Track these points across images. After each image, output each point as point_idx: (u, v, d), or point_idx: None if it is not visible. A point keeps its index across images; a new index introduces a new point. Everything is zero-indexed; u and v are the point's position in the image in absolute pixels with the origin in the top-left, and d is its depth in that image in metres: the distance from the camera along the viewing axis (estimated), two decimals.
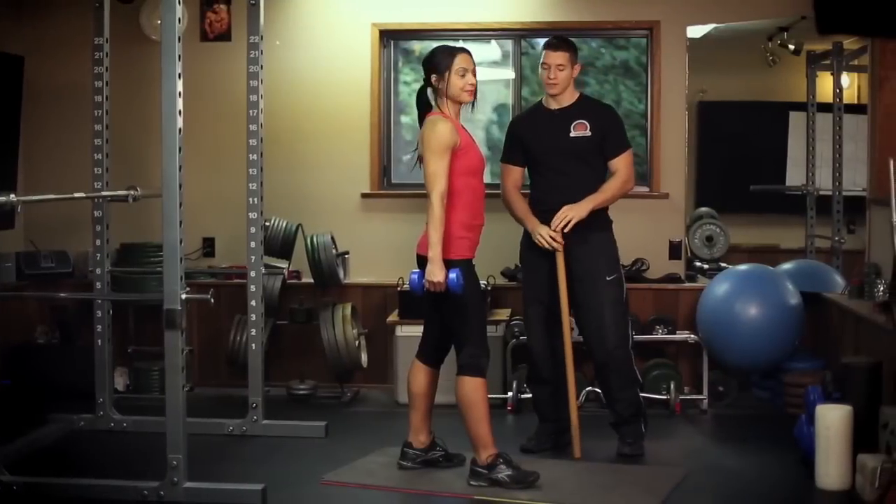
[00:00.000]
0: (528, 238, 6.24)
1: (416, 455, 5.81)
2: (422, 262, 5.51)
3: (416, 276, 5.50)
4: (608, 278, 6.14)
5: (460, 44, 8.08)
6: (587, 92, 8.15)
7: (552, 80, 6.14)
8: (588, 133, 6.15)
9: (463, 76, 5.56)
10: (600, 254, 6.16)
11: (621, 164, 6.19)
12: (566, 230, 6.01)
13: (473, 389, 5.51)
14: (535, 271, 6.26)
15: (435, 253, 5.37)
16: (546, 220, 6.08)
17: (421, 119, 5.69)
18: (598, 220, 6.17)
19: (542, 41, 8.09)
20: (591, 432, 6.41)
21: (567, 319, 6.13)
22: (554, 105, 6.23)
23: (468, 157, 5.54)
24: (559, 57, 6.13)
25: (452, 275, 5.37)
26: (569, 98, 6.24)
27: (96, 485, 5.40)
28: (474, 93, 5.62)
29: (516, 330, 7.27)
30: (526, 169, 6.35)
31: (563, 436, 6.31)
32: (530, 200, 6.29)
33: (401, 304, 7.47)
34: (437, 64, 5.58)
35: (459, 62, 5.56)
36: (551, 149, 6.18)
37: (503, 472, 5.50)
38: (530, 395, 7.12)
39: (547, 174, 6.21)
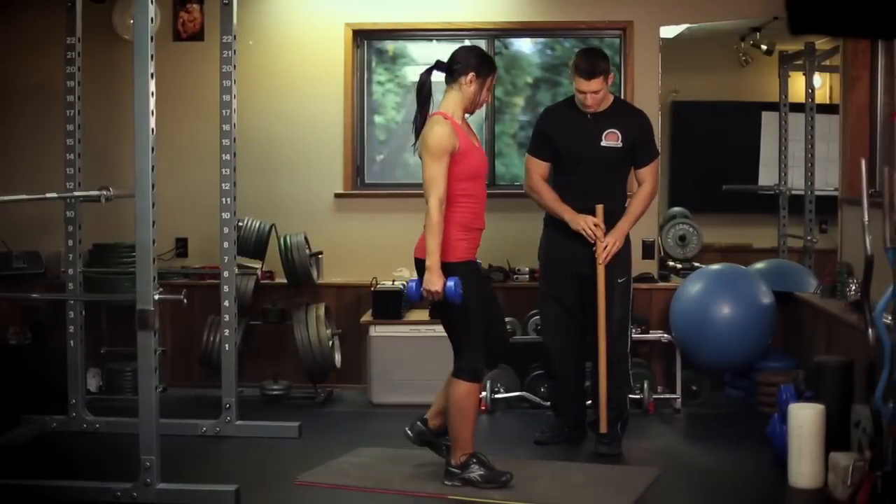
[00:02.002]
0: (550, 235, 6.23)
1: (424, 432, 5.75)
2: (420, 265, 5.43)
3: (413, 285, 5.41)
4: (619, 281, 6.17)
5: (434, 44, 8.19)
6: (560, 93, 8.17)
7: (590, 105, 6.11)
8: (619, 144, 6.15)
9: (488, 91, 5.57)
10: (617, 255, 6.15)
11: (648, 175, 6.22)
12: (607, 259, 6.06)
13: (466, 394, 5.47)
14: (557, 269, 6.26)
15: (433, 261, 5.28)
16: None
17: (421, 108, 5.55)
18: (616, 222, 6.17)
19: (515, 41, 8.15)
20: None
21: (603, 320, 6.12)
22: (589, 109, 6.19)
23: (467, 162, 5.42)
24: (594, 84, 6.06)
25: (451, 283, 5.27)
26: (604, 103, 6.20)
27: (69, 486, 5.38)
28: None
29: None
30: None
31: (576, 430, 6.40)
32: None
33: (374, 304, 7.46)
34: (480, 68, 5.51)
35: (493, 79, 5.59)
36: (580, 154, 6.16)
37: (475, 472, 5.50)
38: (505, 396, 7.16)
39: (572, 176, 6.21)
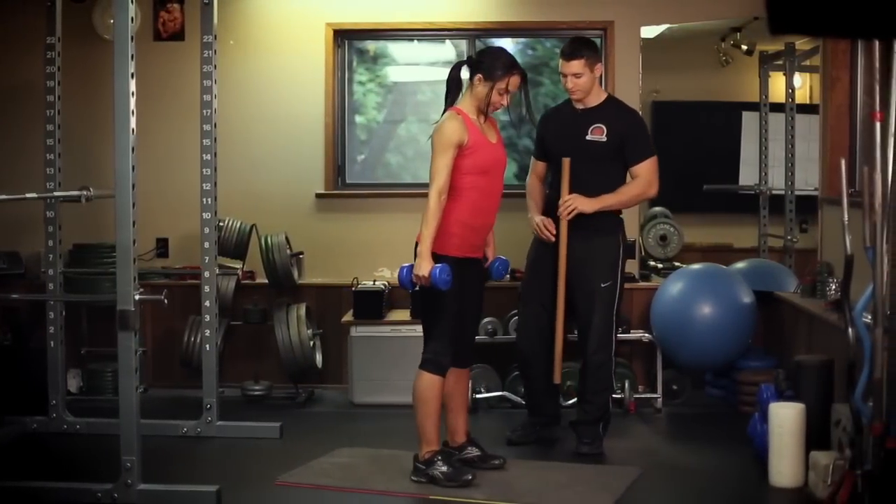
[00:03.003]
0: (534, 243, 6.27)
1: (450, 453, 5.76)
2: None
3: (404, 270, 5.48)
4: (603, 285, 6.14)
5: (415, 44, 8.19)
6: (541, 93, 8.18)
7: (572, 89, 6.12)
8: (603, 139, 6.13)
9: (501, 95, 5.56)
10: (599, 258, 6.15)
11: (643, 171, 6.17)
12: (568, 217, 6.00)
13: (429, 386, 5.53)
14: (539, 272, 6.26)
15: (424, 247, 5.37)
16: (557, 220, 6.09)
17: (448, 95, 5.63)
18: (606, 223, 6.18)
19: (496, 41, 8.14)
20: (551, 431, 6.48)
21: (563, 297, 6.09)
22: (580, 105, 6.20)
23: (476, 156, 5.48)
24: (575, 66, 6.08)
25: (436, 269, 5.34)
26: (595, 99, 6.21)
27: (49, 487, 5.36)
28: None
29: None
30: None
31: (548, 429, 6.41)
32: (546, 199, 6.30)
33: (355, 304, 7.45)
34: (490, 69, 5.54)
35: (510, 83, 5.56)
36: (566, 150, 6.14)
37: (439, 469, 5.53)
38: (486, 396, 7.16)
39: (560, 172, 6.14)
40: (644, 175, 6.17)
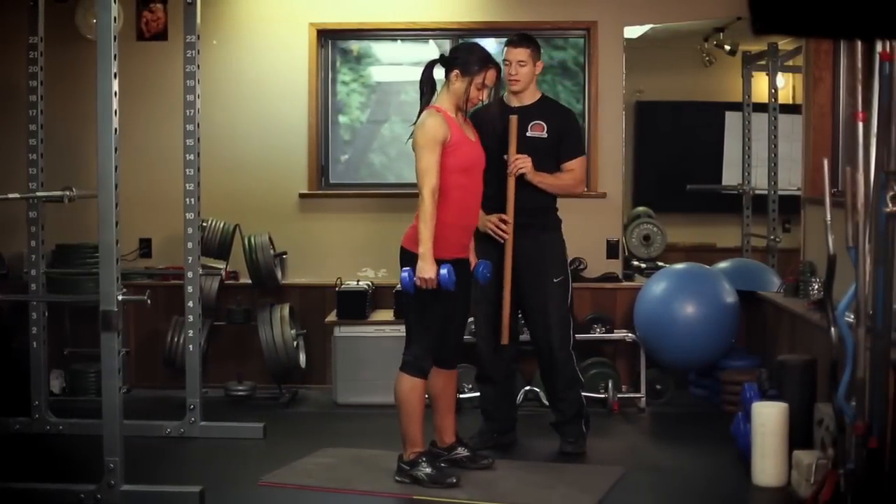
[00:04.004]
0: (483, 234, 6.18)
1: (439, 454, 5.77)
2: (405, 255, 5.49)
3: (406, 275, 5.39)
4: (555, 280, 6.13)
5: (398, 44, 8.18)
6: None
7: (513, 77, 6.09)
8: (544, 135, 6.11)
9: (479, 90, 5.56)
10: (549, 255, 6.14)
11: (576, 167, 6.17)
12: (516, 174, 5.92)
13: (411, 389, 5.52)
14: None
15: (425, 249, 5.31)
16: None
17: (422, 96, 5.61)
18: (549, 220, 6.19)
19: (480, 41, 8.12)
20: (530, 432, 6.49)
21: (509, 283, 5.98)
22: (515, 102, 6.17)
23: (458, 154, 5.46)
24: (520, 53, 6.08)
25: (444, 270, 5.31)
26: (530, 97, 6.19)
27: (32, 489, 5.35)
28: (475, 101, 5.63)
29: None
30: None
31: (505, 435, 6.34)
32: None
33: (339, 304, 7.45)
34: (466, 65, 5.53)
35: (487, 78, 5.55)
36: (505, 147, 6.03)
37: (423, 471, 5.53)
38: (468, 396, 7.15)
39: (499, 171, 5.97)
40: (577, 171, 6.20)
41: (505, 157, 5.95)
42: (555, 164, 6.16)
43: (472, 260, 5.79)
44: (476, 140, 5.66)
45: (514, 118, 6.00)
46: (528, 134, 6.10)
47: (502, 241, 5.97)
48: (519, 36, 6.22)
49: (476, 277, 5.74)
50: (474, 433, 6.35)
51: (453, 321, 5.69)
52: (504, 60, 6.12)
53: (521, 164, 5.94)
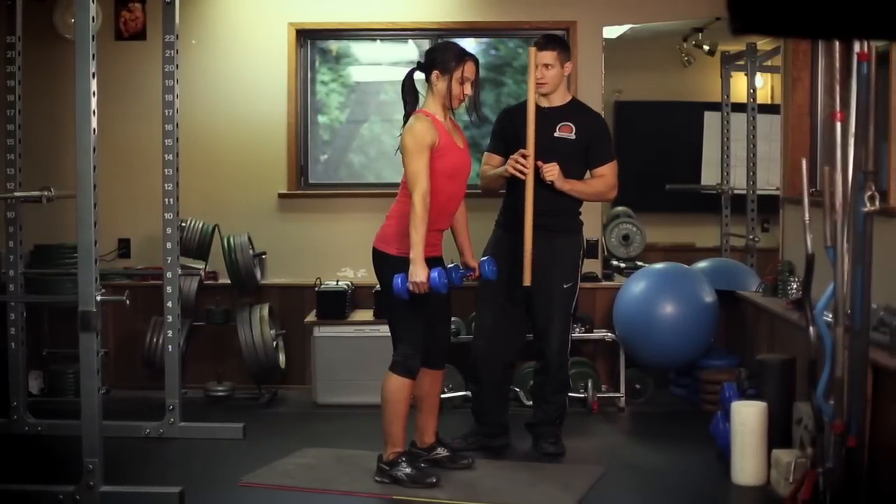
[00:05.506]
0: (499, 236, 6.16)
1: (419, 454, 5.78)
2: (377, 255, 5.56)
3: (398, 281, 5.37)
4: (564, 286, 6.11)
5: (378, 44, 8.18)
6: (504, 93, 8.19)
7: (541, 80, 6.02)
8: (572, 136, 6.08)
9: (461, 84, 5.54)
10: (562, 260, 6.11)
11: (607, 172, 6.12)
12: (547, 178, 5.87)
13: (398, 389, 5.53)
14: (500, 269, 6.17)
15: (416, 254, 5.32)
16: (516, 222, 5.92)
17: (406, 105, 5.62)
18: (568, 224, 6.17)
19: (459, 41, 8.12)
20: (510, 432, 6.48)
21: (530, 222, 5.86)
22: (544, 103, 6.10)
23: (444, 160, 5.47)
24: (546, 56, 6.03)
25: (435, 273, 5.33)
26: (560, 98, 6.16)
27: (10, 490, 5.33)
28: (463, 99, 5.60)
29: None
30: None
31: (494, 439, 6.30)
32: (502, 207, 6.26)
33: (318, 304, 7.44)
34: (444, 63, 5.53)
35: (466, 71, 5.54)
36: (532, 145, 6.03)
37: (403, 470, 5.54)
38: (450, 396, 7.15)
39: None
40: (609, 176, 6.14)
41: (523, 152, 5.90)
42: (582, 166, 6.14)
43: (470, 261, 5.82)
44: (465, 147, 5.67)
45: (532, 50, 5.96)
46: (556, 134, 6.08)
47: (523, 178, 5.88)
48: (545, 38, 6.16)
49: (483, 275, 5.75)
50: (465, 433, 6.33)
51: (440, 320, 5.71)
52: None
53: (548, 174, 5.91)
